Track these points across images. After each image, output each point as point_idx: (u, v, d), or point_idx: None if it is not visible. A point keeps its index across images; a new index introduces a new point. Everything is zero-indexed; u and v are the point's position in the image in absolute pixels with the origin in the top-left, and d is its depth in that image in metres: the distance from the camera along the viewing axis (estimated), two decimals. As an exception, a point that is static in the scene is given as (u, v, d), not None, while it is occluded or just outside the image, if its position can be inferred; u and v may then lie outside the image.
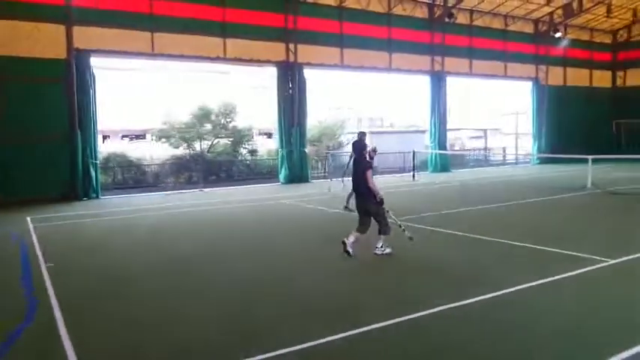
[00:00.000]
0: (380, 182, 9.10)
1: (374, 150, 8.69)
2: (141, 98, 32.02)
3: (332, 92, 26.41)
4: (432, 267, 7.23)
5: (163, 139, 25.08)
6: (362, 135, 8.88)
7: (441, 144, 25.80)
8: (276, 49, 21.21)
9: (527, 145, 31.50)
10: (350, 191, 9.93)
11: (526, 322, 4.87)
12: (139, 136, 34.88)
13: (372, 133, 28.33)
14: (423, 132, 28.28)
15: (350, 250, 7.59)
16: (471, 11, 26.78)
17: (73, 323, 5.08)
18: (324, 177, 23.12)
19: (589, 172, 16.41)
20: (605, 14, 29.60)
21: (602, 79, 33.63)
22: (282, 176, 21.54)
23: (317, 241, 9.19)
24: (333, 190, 15.15)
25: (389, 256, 7.68)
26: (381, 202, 7.65)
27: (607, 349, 4.13)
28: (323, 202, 14.60)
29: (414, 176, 21.70)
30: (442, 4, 24.99)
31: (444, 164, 25.77)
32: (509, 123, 32.12)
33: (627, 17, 31.20)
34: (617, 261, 6.97)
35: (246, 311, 5.44)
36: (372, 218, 7.78)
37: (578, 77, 32.23)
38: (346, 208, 11.83)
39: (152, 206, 14.65)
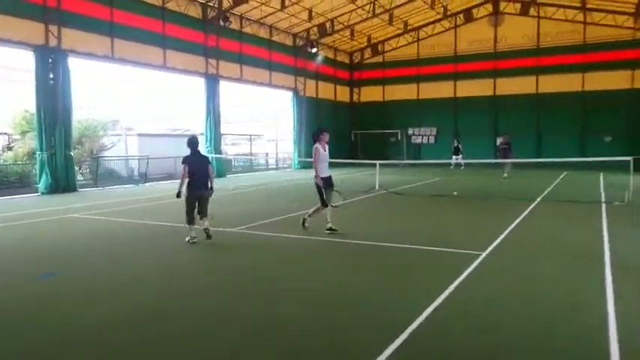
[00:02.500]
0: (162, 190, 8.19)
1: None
2: None
3: (104, 87, 22.97)
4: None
5: None
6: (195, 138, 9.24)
7: (217, 148, 25.23)
8: (34, 30, 17.35)
9: (287, 151, 33.37)
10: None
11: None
12: None
13: (139, 135, 25.82)
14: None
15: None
16: (241, 17, 27.01)
17: None
18: (95, 185, 19.97)
19: (377, 174, 18.30)
20: (349, 37, 33.64)
21: (343, 94, 38.15)
22: (42, 185, 17.67)
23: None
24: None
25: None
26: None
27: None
28: (127, 213, 12.48)
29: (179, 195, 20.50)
30: (216, 5, 24.47)
31: (219, 169, 25.20)
32: (269, 130, 33.54)
33: (363, 41, 36.14)
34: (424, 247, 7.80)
35: None
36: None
37: (327, 91, 35.81)
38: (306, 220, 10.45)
39: None
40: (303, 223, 9.73)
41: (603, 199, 14.01)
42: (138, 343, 4.43)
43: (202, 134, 24.86)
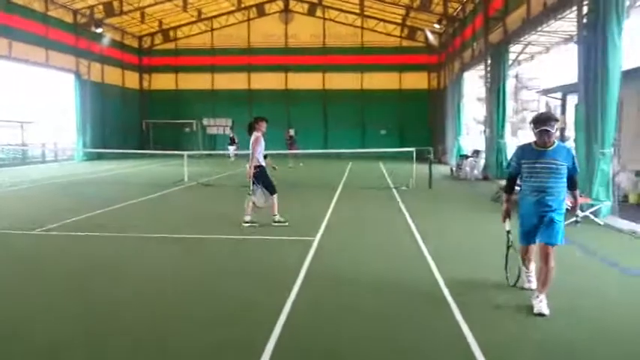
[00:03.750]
0: None
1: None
2: None
3: None
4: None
5: None
6: None
7: (-18, 137, 21.20)
8: None
9: (68, 141, 29.75)
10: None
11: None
12: None
13: None
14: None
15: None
16: (8, -16, 23.08)
17: None
18: None
19: (185, 166, 17.56)
20: (139, 20, 31.51)
21: (132, 80, 35.62)
22: None
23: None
24: None
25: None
26: None
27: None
28: None
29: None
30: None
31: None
32: (47, 116, 29.34)
33: (154, 26, 34.24)
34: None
35: None
36: None
37: (114, 76, 32.99)
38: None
39: None
40: (247, 223, 8.94)
41: (392, 185, 16.00)
42: None
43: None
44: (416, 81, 34.38)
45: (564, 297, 5.09)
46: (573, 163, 4.80)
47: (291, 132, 25.60)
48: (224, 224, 9.33)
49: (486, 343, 4.00)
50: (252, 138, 9.08)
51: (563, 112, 16.59)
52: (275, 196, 9.23)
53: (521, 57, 20.45)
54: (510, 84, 25.90)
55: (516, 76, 29.73)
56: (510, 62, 19.09)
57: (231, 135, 29.75)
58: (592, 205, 9.68)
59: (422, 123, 33.47)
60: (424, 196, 13.65)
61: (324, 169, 23.15)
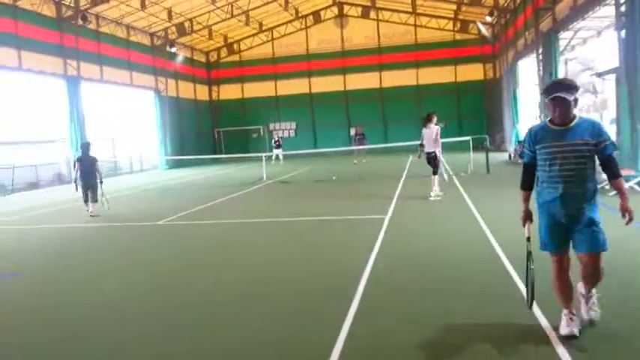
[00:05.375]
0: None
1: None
2: None
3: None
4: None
5: None
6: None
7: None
8: None
9: (150, 153, 32.86)
10: None
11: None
12: None
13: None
14: (56, 141, 25.46)
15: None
16: (97, 17, 26.17)
17: None
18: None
19: (264, 168, 19.71)
20: (207, 36, 34.26)
21: (202, 93, 38.56)
22: None
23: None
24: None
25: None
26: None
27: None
28: (41, 218, 12.24)
29: (76, 187, 19.86)
30: (72, 4, 23.50)
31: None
32: (132, 131, 32.62)
33: (219, 41, 36.97)
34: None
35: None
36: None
37: (187, 90, 35.96)
38: None
39: None
40: (437, 196, 11.44)
41: (451, 172, 17.26)
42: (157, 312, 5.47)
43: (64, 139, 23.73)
44: (471, 72, 35.09)
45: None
46: (604, 140, 3.65)
47: (360, 129, 26.97)
48: (305, 210, 11.12)
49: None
50: (436, 129, 11.51)
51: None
52: (435, 177, 11.65)
53: (573, 42, 21.07)
54: (571, 67, 26.37)
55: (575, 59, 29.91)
56: (562, 48, 19.80)
57: (276, 139, 31.32)
58: (636, 177, 10.65)
59: (479, 113, 34.15)
60: (482, 180, 14.87)
61: (386, 162, 24.62)
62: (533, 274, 3.91)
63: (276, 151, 29.21)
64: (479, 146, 21.71)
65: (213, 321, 4.69)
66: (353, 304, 4.77)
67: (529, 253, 3.92)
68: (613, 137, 12.80)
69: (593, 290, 3.95)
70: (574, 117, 3.71)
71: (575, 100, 3.65)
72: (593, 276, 3.80)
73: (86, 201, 12.05)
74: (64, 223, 11.63)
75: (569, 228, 3.75)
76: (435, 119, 11.78)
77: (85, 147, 12.41)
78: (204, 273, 6.53)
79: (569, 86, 3.67)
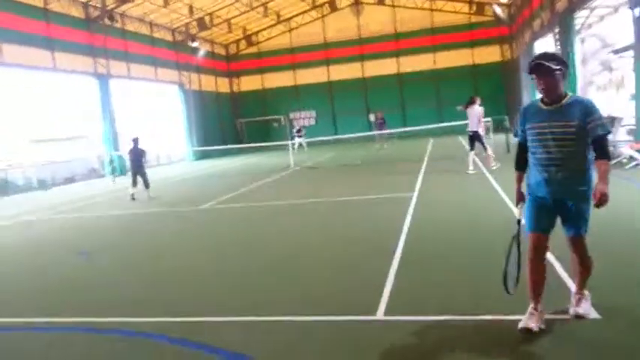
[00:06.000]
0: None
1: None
2: None
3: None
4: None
5: None
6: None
7: (117, 148, 25.36)
8: None
9: (177, 145, 33.89)
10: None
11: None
12: None
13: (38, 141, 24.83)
14: (88, 137, 26.58)
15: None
16: (122, 15, 27.09)
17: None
18: None
19: (290, 155, 20.55)
20: (227, 30, 35.04)
21: (223, 85, 39.45)
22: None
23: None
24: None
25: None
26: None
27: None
28: (97, 207, 13.23)
29: (114, 180, 21.03)
30: (99, 5, 24.47)
31: (122, 166, 25.45)
32: (158, 125, 33.68)
33: (238, 33, 37.73)
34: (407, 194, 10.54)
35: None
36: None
37: (208, 83, 36.87)
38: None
39: None
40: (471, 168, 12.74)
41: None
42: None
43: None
44: (488, 54, 35.31)
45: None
46: (595, 120, 3.41)
47: (381, 114, 27.61)
48: (335, 191, 11.89)
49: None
50: (481, 110, 12.97)
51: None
52: (472, 153, 13.07)
53: (590, 20, 21.32)
54: (590, 45, 26.55)
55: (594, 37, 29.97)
56: (579, 27, 20.10)
57: (298, 127, 33.04)
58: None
59: (498, 94, 34.38)
60: (502, 158, 15.42)
61: (408, 146, 25.23)
62: (520, 258, 3.69)
63: (298, 140, 30.17)
64: (499, 127, 22.15)
65: (279, 274, 5.55)
66: (394, 261, 5.58)
67: (515, 235, 3.69)
68: (632, 114, 13.39)
69: (585, 292, 3.81)
70: (565, 95, 3.50)
71: (562, 73, 3.44)
72: (580, 263, 3.71)
73: (134, 185, 13.88)
74: (116, 210, 12.56)
75: (555, 211, 3.60)
76: (478, 101, 13.09)
77: (135, 141, 14.26)
78: (269, 242, 7.39)
79: (554, 56, 3.54)
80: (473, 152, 13.09)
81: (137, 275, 6.34)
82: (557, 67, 3.42)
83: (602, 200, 3.33)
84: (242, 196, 12.76)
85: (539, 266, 3.62)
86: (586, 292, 3.82)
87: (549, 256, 5.42)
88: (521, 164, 3.82)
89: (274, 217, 9.65)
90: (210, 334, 4.09)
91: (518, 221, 3.78)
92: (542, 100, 3.60)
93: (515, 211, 3.68)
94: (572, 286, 3.99)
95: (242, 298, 4.99)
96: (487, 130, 14.89)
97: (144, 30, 29.15)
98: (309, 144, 31.53)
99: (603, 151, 3.44)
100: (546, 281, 3.69)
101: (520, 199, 3.78)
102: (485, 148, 13.12)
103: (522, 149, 3.78)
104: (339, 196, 11.18)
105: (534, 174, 3.63)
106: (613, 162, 11.49)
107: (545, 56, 3.48)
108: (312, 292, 4.98)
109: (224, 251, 7.21)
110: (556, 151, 3.48)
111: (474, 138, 12.97)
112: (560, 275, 4.60)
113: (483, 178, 11.57)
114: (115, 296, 5.40)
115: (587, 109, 3.43)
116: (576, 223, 3.58)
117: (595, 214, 3.61)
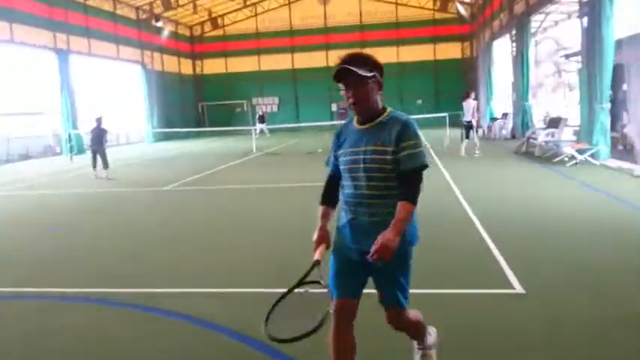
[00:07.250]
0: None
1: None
2: None
3: None
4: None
5: None
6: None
7: (75, 126, 24.86)
8: None
9: (136, 126, 33.35)
10: None
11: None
12: None
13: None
14: (45, 114, 25.85)
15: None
16: (84, -11, 26.46)
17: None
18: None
19: (253, 141, 20.74)
20: (192, 11, 34.61)
21: (186, 67, 38.98)
22: None
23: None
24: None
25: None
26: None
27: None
28: (54, 185, 13.13)
29: (71, 158, 20.70)
30: (61, -23, 23.83)
31: (80, 145, 24.96)
32: (117, 104, 33.05)
33: (204, 15, 37.31)
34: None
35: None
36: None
37: (171, 64, 36.39)
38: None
39: None
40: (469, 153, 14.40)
41: (429, 146, 18.59)
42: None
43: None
44: (450, 51, 36.34)
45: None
46: (406, 147, 2.44)
47: (343, 104, 28.17)
48: (302, 177, 12.30)
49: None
50: (475, 104, 15.05)
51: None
52: (466, 141, 14.96)
53: (545, 24, 22.44)
54: (547, 46, 27.89)
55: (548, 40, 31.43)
56: (534, 30, 21.11)
57: (260, 113, 33.63)
58: (591, 149, 12.11)
59: (457, 91, 35.38)
60: (457, 153, 16.22)
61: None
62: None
63: (260, 126, 30.45)
64: (456, 122, 23.05)
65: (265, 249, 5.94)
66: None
67: (301, 277, 2.36)
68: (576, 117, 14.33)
69: (414, 343, 2.93)
70: (383, 110, 2.63)
71: (377, 82, 2.60)
72: (396, 328, 2.72)
73: (94, 166, 13.81)
74: (76, 188, 12.56)
75: (364, 269, 2.53)
76: (472, 95, 15.10)
77: (98, 120, 14.15)
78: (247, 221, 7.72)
79: (366, 59, 2.60)
80: (467, 140, 14.90)
81: (101, 252, 6.59)
82: (371, 74, 2.54)
83: (380, 253, 2.26)
84: (201, 180, 12.93)
85: (346, 338, 2.55)
86: (429, 331, 2.93)
87: (485, 237, 6.14)
88: (325, 198, 2.70)
89: (240, 202, 9.96)
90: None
91: (314, 264, 2.42)
92: (357, 118, 2.65)
93: (315, 254, 2.48)
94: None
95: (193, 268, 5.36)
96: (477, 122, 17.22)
97: (106, 6, 28.52)
98: (270, 130, 31.74)
99: (409, 190, 2.41)
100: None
101: (322, 240, 2.55)
102: (466, 136, 14.97)
103: (332, 182, 2.70)
104: (303, 182, 11.59)
105: (341, 216, 2.63)
106: (556, 159, 12.46)
107: (355, 59, 2.56)
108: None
109: (187, 231, 7.52)
110: (365, 185, 2.47)
111: (469, 128, 14.71)
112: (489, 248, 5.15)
113: (436, 169, 12.23)
114: (79, 269, 5.66)
115: (402, 131, 2.47)
116: (390, 290, 2.57)
117: (542, 208, 4.02)
